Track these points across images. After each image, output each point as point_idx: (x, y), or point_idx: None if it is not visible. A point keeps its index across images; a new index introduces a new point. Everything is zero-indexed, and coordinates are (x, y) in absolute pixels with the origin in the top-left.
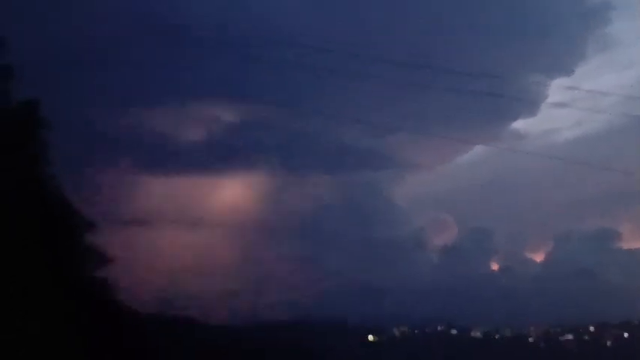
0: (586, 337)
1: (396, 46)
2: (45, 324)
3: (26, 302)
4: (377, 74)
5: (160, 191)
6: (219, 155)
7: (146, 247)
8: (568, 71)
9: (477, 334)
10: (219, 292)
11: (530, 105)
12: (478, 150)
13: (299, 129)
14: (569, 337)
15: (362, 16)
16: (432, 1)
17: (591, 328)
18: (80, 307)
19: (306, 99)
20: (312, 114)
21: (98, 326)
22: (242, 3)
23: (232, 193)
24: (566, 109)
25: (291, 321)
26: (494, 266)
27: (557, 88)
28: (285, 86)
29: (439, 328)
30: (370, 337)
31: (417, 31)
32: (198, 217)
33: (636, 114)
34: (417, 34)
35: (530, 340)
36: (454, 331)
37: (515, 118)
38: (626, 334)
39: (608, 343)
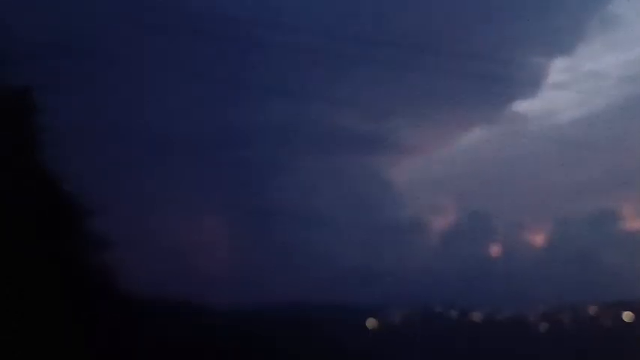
0: (586, 317)
1: (392, 29)
2: (45, 311)
3: (25, 289)
4: (372, 57)
5: None
6: None
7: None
8: (569, 51)
9: (477, 316)
10: (218, 277)
11: (530, 86)
12: (477, 133)
13: (294, 112)
14: (569, 317)
15: None
16: None
17: (591, 308)
18: (81, 293)
19: (301, 83)
20: (307, 98)
21: (99, 311)
22: None
23: None
24: (566, 90)
25: (289, 304)
26: (494, 249)
27: (557, 69)
28: (279, 70)
29: (439, 310)
30: (370, 320)
31: (413, 12)
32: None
33: (638, 93)
34: (414, 15)
35: (530, 320)
36: (454, 314)
37: (515, 100)
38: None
39: (608, 323)
